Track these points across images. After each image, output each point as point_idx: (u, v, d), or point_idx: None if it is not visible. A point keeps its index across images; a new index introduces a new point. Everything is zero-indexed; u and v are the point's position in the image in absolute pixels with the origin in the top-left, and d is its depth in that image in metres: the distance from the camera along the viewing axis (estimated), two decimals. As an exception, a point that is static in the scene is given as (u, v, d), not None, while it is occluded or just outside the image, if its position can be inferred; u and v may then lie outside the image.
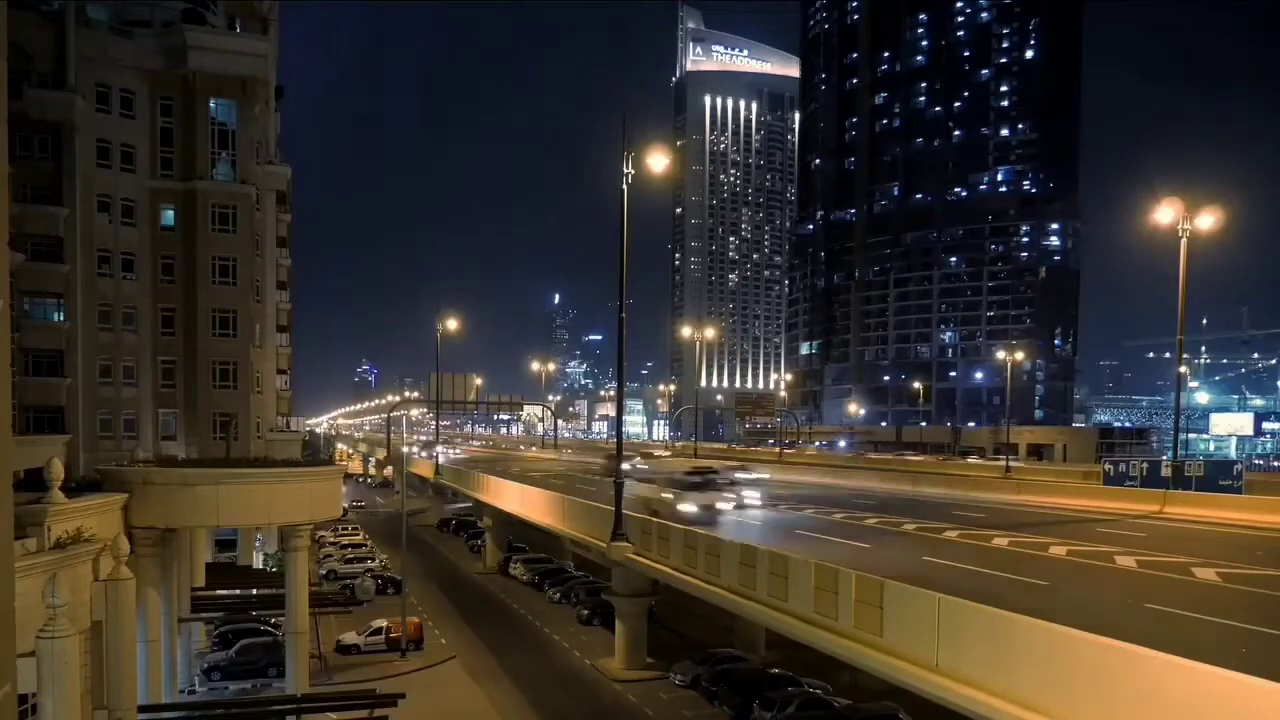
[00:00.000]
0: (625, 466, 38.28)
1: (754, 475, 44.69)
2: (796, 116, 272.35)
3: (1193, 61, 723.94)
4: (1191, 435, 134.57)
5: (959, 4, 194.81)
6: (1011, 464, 75.63)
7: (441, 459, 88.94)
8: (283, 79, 68.07)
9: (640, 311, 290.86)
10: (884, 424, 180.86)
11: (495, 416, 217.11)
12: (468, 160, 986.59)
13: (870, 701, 32.83)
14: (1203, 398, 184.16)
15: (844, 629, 21.38)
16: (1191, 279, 43.40)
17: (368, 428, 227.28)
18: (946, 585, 20.92)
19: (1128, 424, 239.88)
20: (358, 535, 76.19)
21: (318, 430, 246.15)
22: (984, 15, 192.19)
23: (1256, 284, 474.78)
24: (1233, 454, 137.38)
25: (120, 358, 47.16)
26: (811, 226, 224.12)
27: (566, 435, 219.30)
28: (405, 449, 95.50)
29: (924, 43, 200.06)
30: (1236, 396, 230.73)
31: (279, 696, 31.48)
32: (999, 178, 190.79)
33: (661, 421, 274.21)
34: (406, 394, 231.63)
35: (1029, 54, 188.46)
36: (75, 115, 44.22)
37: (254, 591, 43.76)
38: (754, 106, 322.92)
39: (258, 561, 55.57)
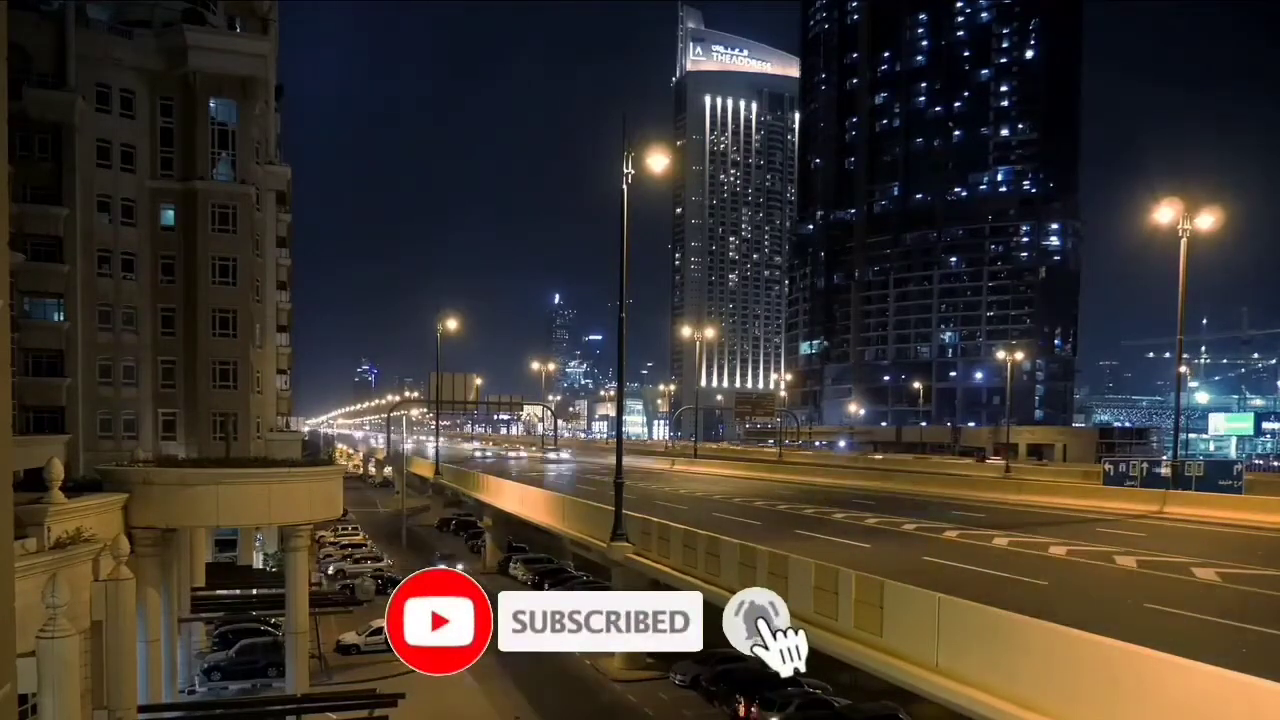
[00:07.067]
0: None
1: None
2: (796, 116, 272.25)
3: (1192, 61, 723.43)
4: (1191, 435, 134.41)
5: (959, 4, 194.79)
6: (1011, 464, 75.62)
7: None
8: (283, 79, 68.09)
9: (640, 311, 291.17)
10: (884, 424, 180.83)
11: (495, 416, 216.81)
12: (467, 160, 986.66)
13: (870, 701, 32.80)
14: (1203, 398, 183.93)
15: (844, 629, 21.37)
16: (1191, 279, 43.53)
17: (368, 427, 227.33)
18: (946, 585, 20.93)
19: (1128, 424, 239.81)
20: (358, 535, 76.12)
21: (318, 430, 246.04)
22: (984, 15, 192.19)
23: (1256, 284, 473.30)
24: (1233, 454, 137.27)
25: (120, 358, 47.04)
26: (811, 226, 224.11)
27: (566, 435, 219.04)
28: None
29: (924, 43, 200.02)
30: (1236, 396, 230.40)
31: (279, 696, 31.44)
32: (999, 178, 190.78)
33: (661, 421, 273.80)
34: (406, 394, 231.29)
35: (1029, 54, 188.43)
36: (75, 115, 44.11)
37: (254, 591, 43.66)
38: (754, 106, 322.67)
39: (258, 561, 55.49)
